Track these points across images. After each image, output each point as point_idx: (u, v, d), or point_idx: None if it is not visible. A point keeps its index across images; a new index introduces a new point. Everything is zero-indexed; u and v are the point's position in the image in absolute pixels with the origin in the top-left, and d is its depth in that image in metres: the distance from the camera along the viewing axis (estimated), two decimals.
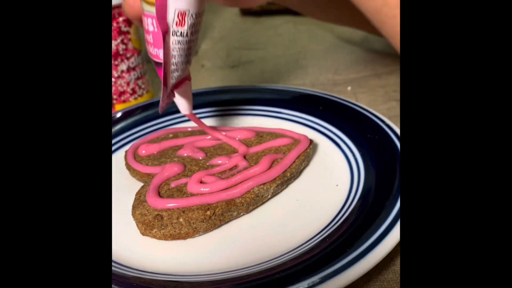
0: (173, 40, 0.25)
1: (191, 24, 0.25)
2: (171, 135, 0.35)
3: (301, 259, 0.23)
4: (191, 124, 0.37)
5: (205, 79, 0.52)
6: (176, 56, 0.26)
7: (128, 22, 0.41)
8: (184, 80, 0.29)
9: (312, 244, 0.24)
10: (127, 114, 0.39)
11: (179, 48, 0.25)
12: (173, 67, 0.26)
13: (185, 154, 0.32)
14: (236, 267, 0.24)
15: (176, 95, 0.30)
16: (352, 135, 0.33)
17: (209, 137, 0.33)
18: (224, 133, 0.33)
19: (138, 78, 0.43)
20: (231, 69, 0.55)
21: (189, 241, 0.26)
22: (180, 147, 0.33)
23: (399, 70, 0.48)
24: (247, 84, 0.47)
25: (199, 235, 0.26)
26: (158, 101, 0.41)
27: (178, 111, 0.39)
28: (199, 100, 0.40)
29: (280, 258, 0.24)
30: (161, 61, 0.26)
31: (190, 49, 0.26)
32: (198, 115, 0.39)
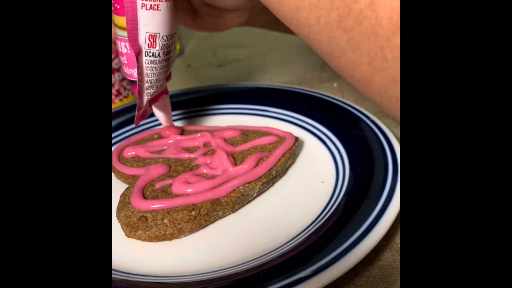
0: (146, 60, 0.27)
1: (163, 45, 0.27)
2: (156, 136, 0.35)
3: (287, 256, 0.23)
4: (177, 125, 0.36)
5: (192, 78, 0.52)
6: (150, 75, 0.27)
7: None
8: (161, 94, 0.31)
9: (298, 241, 0.24)
10: (112, 116, 0.39)
11: (152, 67, 0.27)
12: (147, 84, 0.28)
13: (170, 155, 0.31)
14: (223, 267, 0.24)
15: (154, 109, 0.32)
16: (337, 132, 0.33)
17: (199, 135, 0.33)
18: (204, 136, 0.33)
19: (123, 79, 0.43)
20: (218, 68, 0.54)
21: (175, 242, 0.26)
22: (165, 148, 0.33)
23: None
24: (234, 82, 0.47)
25: (184, 236, 0.26)
26: None
27: None
28: (186, 100, 0.40)
29: (266, 256, 0.24)
30: (135, 79, 0.27)
31: (165, 67, 0.28)
32: (185, 115, 0.39)
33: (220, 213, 0.27)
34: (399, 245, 0.25)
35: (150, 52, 0.26)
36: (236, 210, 0.28)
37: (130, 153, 0.32)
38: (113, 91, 0.43)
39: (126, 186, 0.30)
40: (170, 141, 0.33)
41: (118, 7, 0.26)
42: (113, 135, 0.37)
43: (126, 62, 0.28)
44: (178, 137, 0.33)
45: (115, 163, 0.31)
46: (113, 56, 0.41)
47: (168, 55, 0.28)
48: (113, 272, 0.24)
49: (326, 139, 0.33)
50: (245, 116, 0.38)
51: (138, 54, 0.26)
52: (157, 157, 0.31)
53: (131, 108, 0.40)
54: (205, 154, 0.31)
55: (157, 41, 0.26)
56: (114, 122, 0.38)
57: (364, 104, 0.41)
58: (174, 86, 0.50)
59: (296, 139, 0.32)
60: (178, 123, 0.38)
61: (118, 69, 0.42)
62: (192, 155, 0.31)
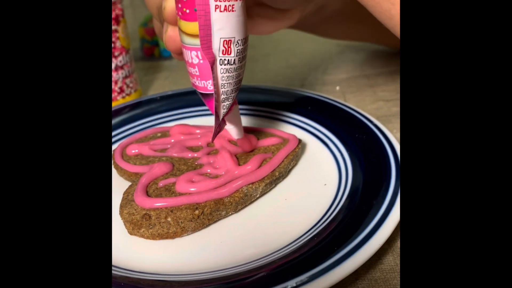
0: (221, 69, 0.24)
1: (238, 51, 0.24)
2: (159, 134, 0.35)
3: (289, 258, 0.23)
4: (179, 123, 0.37)
5: None
6: (226, 85, 0.25)
7: (116, 20, 0.41)
8: (232, 105, 0.27)
9: (300, 243, 0.24)
10: (114, 113, 0.39)
11: (227, 77, 0.24)
12: (223, 96, 0.25)
13: (174, 153, 0.31)
14: (225, 266, 0.24)
15: (227, 121, 0.29)
16: (340, 135, 0.33)
17: (199, 136, 0.33)
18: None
19: (126, 77, 0.43)
20: None
21: (177, 240, 0.26)
22: (168, 146, 0.33)
23: (387, 72, 0.49)
24: None
25: (187, 235, 0.26)
26: (147, 100, 0.41)
27: (166, 110, 0.40)
28: (189, 100, 0.40)
29: (268, 257, 0.24)
30: (211, 92, 0.25)
31: (240, 75, 0.25)
32: (187, 114, 0.39)
33: (223, 213, 0.27)
34: None
35: (225, 59, 0.24)
36: (239, 210, 0.28)
37: (133, 151, 0.32)
38: (116, 88, 0.43)
39: (129, 183, 0.30)
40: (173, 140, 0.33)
41: (188, 11, 0.23)
42: (115, 132, 0.37)
43: (197, 73, 0.25)
44: (182, 136, 0.33)
45: (118, 160, 0.31)
46: (116, 54, 0.41)
47: (243, 61, 0.25)
48: (115, 269, 0.24)
49: (329, 142, 0.33)
50: (248, 117, 0.38)
51: (212, 63, 0.23)
52: (160, 156, 0.31)
53: (133, 105, 0.40)
54: (208, 153, 0.31)
55: (232, 46, 0.23)
56: (117, 120, 0.38)
57: (366, 108, 0.41)
58: (176, 86, 0.50)
59: (299, 141, 0.32)
60: (178, 123, 0.38)
61: (122, 67, 0.42)
62: (195, 155, 0.31)
